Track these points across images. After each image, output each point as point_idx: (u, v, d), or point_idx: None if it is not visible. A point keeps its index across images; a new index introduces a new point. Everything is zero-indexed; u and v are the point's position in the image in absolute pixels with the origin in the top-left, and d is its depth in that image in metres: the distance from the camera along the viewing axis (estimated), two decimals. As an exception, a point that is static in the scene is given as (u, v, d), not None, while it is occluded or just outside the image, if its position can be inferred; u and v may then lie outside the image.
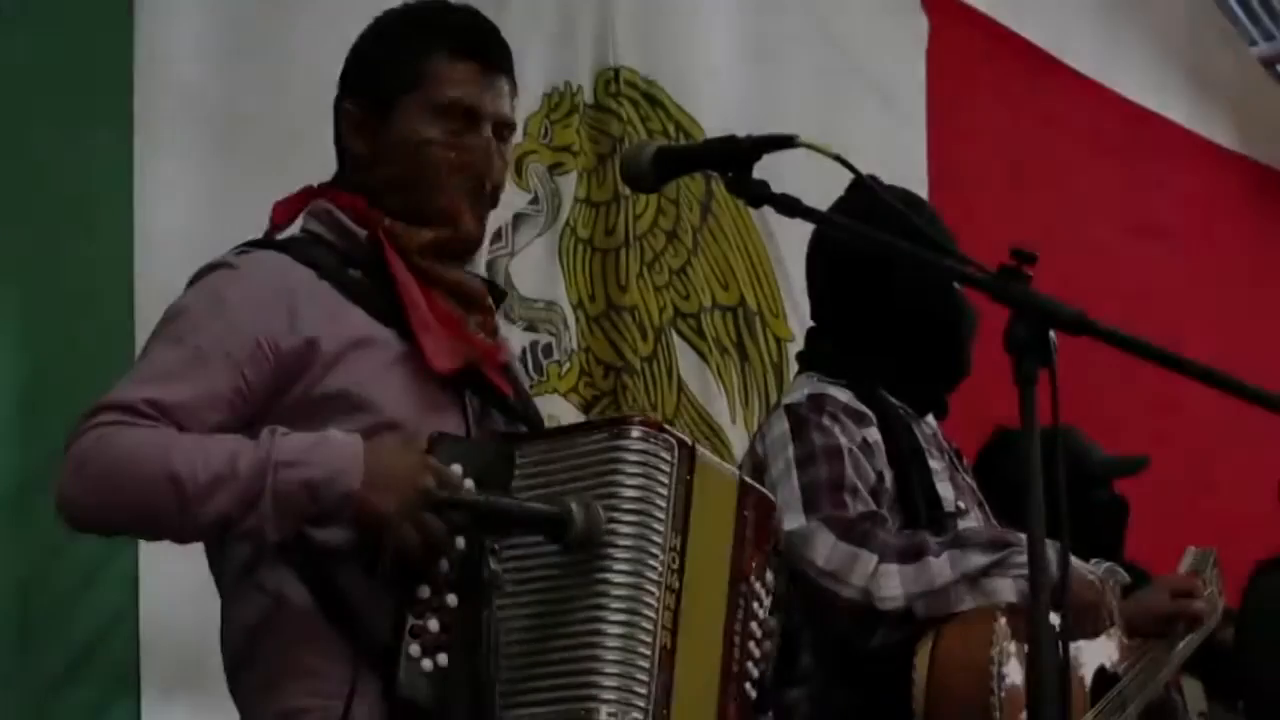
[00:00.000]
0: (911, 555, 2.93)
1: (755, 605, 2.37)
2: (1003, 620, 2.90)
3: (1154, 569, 3.83)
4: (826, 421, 3.06)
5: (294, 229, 2.51)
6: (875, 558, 2.91)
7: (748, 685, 2.35)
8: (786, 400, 3.15)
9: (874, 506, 3.02)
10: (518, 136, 4.31)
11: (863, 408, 3.11)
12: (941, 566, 2.92)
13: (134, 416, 2.19)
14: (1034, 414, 1.87)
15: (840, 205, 3.14)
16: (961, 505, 3.12)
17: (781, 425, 3.09)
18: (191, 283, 2.39)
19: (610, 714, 2.08)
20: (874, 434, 3.08)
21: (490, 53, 2.47)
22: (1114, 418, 5.32)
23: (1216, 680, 4.46)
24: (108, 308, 3.52)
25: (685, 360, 4.78)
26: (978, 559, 2.91)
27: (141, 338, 3.40)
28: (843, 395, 3.10)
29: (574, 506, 2.11)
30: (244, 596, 2.30)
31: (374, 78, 2.46)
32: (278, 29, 3.96)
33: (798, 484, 2.99)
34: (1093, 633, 3.09)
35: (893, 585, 2.90)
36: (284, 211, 2.49)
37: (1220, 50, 7.25)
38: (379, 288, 2.37)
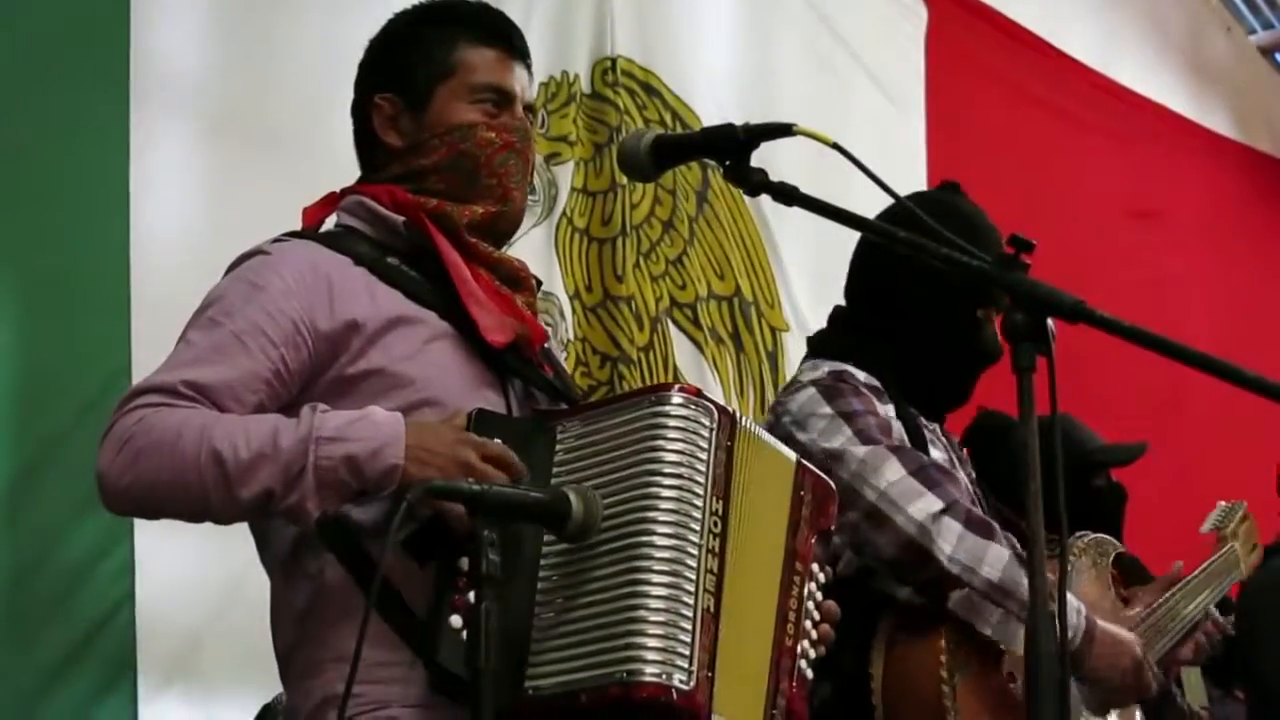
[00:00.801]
0: (979, 526, 2.89)
1: (812, 586, 2.37)
2: (945, 634, 2.91)
3: (1152, 557, 3.83)
4: (860, 390, 3.05)
5: (328, 226, 2.51)
6: (941, 504, 2.88)
7: (803, 664, 2.35)
8: (806, 377, 3.11)
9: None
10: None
11: (878, 384, 3.10)
12: (998, 556, 2.87)
13: (173, 398, 2.19)
14: (1032, 402, 1.86)
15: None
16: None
17: (808, 393, 3.05)
18: (228, 271, 2.39)
19: (654, 675, 2.07)
20: (890, 410, 3.08)
21: (513, 40, 2.53)
22: (1113, 406, 5.32)
23: (1218, 669, 4.47)
24: (103, 299, 3.53)
25: (681, 350, 4.79)
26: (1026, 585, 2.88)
27: (138, 328, 3.44)
28: (860, 374, 3.09)
29: (572, 497, 2.11)
30: (291, 582, 2.30)
31: (407, 71, 2.49)
32: (272, 22, 3.97)
33: (850, 430, 2.97)
34: (1137, 696, 3.08)
35: (950, 538, 2.87)
36: (313, 214, 2.50)
37: (1219, 38, 7.26)
38: (420, 273, 2.39)
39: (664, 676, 2.07)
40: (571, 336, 4.50)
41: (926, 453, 3.07)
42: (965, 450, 3.36)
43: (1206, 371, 1.83)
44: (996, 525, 2.92)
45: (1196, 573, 3.56)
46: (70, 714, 3.38)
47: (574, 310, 4.53)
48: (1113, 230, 6.33)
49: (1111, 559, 3.38)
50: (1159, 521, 5.00)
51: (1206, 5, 7.26)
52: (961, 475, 3.20)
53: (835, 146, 2.06)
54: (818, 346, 3.24)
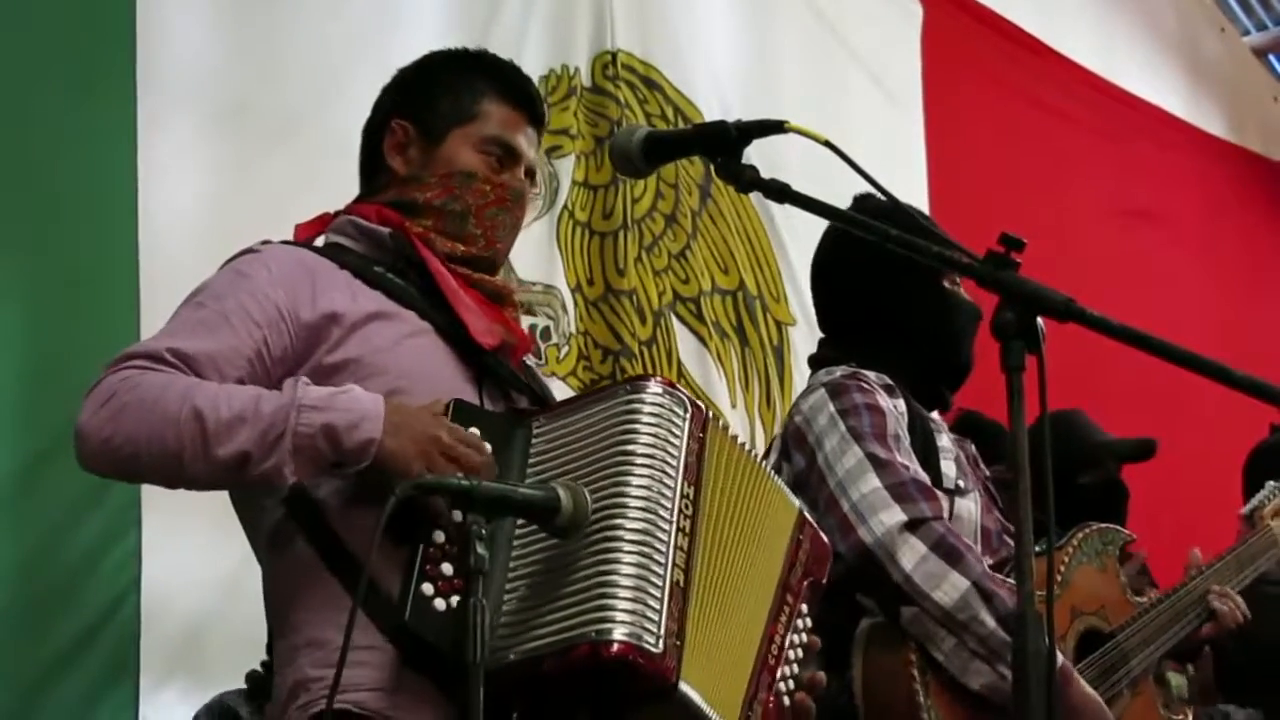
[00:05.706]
0: (946, 551, 2.89)
1: (800, 623, 2.45)
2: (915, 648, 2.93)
3: (1152, 559, 3.82)
4: (865, 386, 3.09)
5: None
6: (905, 518, 2.89)
7: (781, 686, 2.40)
8: (820, 379, 3.17)
9: (915, 461, 3.02)
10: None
11: (890, 381, 3.14)
12: (956, 584, 2.87)
13: (158, 363, 2.25)
14: (1021, 401, 1.87)
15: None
16: (961, 484, 3.13)
17: (818, 394, 3.11)
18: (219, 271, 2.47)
19: (624, 635, 2.11)
20: (901, 405, 3.11)
21: (534, 106, 2.64)
22: (1115, 405, 5.34)
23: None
24: (112, 289, 3.55)
25: (685, 344, 4.80)
26: (987, 620, 2.87)
27: (146, 318, 3.46)
28: (870, 373, 3.14)
29: (561, 492, 2.14)
30: (270, 566, 2.36)
31: (430, 105, 2.58)
32: (279, 10, 3.99)
33: (844, 427, 3.01)
34: None
35: (911, 556, 2.88)
36: (304, 231, 2.57)
37: (1212, 39, 7.28)
38: (405, 281, 2.45)
39: (634, 637, 2.12)
40: (573, 330, 4.52)
41: (934, 447, 3.12)
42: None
43: (1196, 371, 1.84)
44: (969, 553, 2.91)
45: (1226, 555, 3.52)
46: (74, 703, 3.41)
47: (576, 304, 4.55)
48: (1106, 229, 6.35)
49: (1119, 547, 3.36)
50: (1160, 521, 5.02)
51: (1200, 6, 7.27)
52: (970, 474, 3.22)
53: (827, 144, 2.07)
54: (823, 360, 3.28)
